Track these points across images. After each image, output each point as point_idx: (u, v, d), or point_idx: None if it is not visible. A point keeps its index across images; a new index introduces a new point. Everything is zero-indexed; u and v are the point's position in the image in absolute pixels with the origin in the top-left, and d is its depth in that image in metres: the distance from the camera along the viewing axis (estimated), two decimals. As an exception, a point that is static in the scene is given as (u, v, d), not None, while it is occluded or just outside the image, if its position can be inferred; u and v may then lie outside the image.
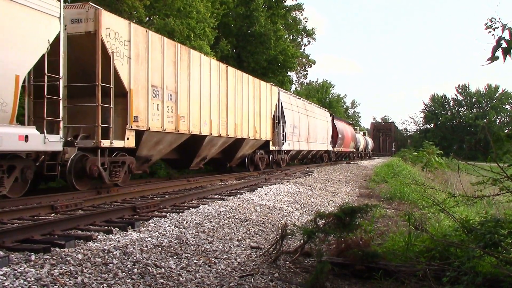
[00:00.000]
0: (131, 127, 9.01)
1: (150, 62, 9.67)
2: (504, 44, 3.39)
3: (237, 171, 15.91)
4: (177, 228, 5.42)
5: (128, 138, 8.98)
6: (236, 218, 6.46)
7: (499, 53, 3.40)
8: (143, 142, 9.66)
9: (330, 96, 67.33)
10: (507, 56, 3.38)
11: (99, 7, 8.52)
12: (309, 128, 23.21)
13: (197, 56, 12.07)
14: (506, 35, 3.40)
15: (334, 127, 30.28)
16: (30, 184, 7.65)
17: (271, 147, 17.35)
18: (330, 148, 29.03)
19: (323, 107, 43.33)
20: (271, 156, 18.06)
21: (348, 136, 35.18)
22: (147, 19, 19.11)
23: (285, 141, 18.72)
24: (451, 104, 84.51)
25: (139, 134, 9.39)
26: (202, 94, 12.06)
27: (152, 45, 9.77)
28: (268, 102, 17.47)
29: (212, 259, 4.35)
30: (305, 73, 50.55)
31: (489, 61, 3.45)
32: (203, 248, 4.71)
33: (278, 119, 18.47)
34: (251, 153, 16.41)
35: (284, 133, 18.68)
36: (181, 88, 10.94)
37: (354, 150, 40.12)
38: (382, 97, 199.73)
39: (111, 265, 3.78)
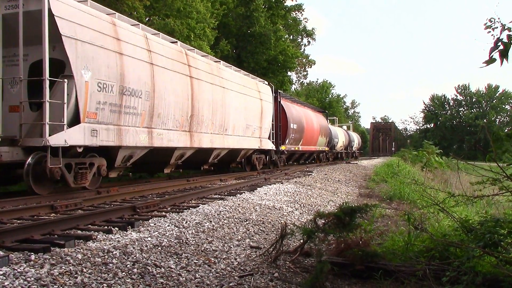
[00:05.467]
0: None
1: None
2: (501, 47, 3.34)
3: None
4: (176, 228, 5.42)
5: None
6: (235, 218, 6.46)
7: (496, 55, 3.36)
8: None
9: (330, 96, 67.49)
10: (504, 59, 3.33)
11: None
12: (196, 103, 11.73)
13: None
14: (504, 36, 3.37)
15: (280, 112, 19.45)
16: None
17: None
18: (271, 146, 17.64)
19: (321, 107, 41.14)
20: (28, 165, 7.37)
21: (312, 128, 23.84)
22: (147, 19, 19.13)
23: (80, 122, 7.94)
24: (451, 104, 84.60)
25: None
26: None
27: None
28: None
29: (212, 259, 4.35)
30: (305, 73, 50.72)
31: (485, 64, 3.42)
32: (203, 248, 4.71)
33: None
34: None
35: (71, 102, 7.85)
36: None
37: (327, 149, 28.88)
38: (382, 97, 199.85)
39: (111, 265, 3.78)
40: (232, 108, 14.08)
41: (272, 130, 18.17)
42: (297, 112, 21.96)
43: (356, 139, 43.08)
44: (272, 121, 18.13)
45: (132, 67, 9.28)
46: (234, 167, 16.19)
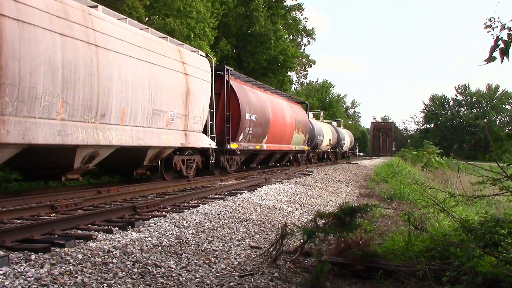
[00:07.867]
0: None
1: None
2: (501, 45, 3.35)
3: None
4: (177, 228, 5.42)
5: None
6: (236, 218, 6.46)
7: (496, 53, 3.36)
8: None
9: (330, 96, 67.49)
10: (505, 57, 3.33)
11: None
12: (12, 63, 6.26)
13: None
14: (504, 35, 3.37)
15: (231, 98, 14.33)
16: None
17: None
18: (207, 143, 12.42)
19: (321, 107, 40.62)
20: None
21: (283, 121, 18.87)
22: (147, 19, 19.13)
23: None
24: (451, 104, 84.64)
25: None
26: None
27: None
28: None
29: (212, 259, 4.35)
30: (305, 73, 50.82)
31: (485, 62, 3.42)
32: (203, 248, 4.71)
33: None
34: None
35: None
36: None
37: (307, 148, 23.50)
38: (382, 97, 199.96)
39: (111, 264, 3.78)
40: (118, 81, 8.74)
41: (211, 121, 13.12)
42: (258, 99, 16.48)
43: (347, 137, 36.58)
44: (211, 108, 12.99)
45: None
46: (142, 174, 10.75)
